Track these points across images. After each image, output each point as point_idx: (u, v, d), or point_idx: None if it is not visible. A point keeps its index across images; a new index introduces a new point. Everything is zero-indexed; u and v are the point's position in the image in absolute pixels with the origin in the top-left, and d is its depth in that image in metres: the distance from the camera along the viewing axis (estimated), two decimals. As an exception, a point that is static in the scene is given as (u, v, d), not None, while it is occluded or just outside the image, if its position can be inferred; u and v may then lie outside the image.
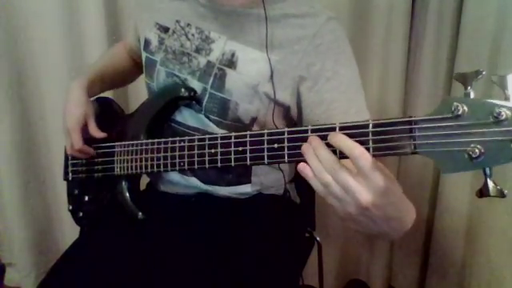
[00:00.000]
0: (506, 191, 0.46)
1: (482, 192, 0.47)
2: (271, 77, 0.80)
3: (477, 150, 0.45)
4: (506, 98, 0.44)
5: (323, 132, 0.55)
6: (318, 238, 1.14)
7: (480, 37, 1.19)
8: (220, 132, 0.84)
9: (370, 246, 1.64)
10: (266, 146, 0.61)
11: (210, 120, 0.85)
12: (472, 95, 0.47)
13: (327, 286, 1.58)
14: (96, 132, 0.88)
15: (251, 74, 0.81)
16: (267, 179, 0.93)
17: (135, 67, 1.08)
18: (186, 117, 0.88)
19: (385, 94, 1.45)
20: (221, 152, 0.67)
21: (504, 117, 0.43)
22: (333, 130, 0.54)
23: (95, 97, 0.97)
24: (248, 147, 0.64)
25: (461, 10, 1.26)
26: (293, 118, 0.86)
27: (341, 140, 0.52)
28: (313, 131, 0.56)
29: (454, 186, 1.32)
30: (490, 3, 1.16)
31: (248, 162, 0.64)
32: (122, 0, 1.44)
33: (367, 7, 1.39)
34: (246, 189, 0.91)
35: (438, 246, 1.44)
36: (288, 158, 0.59)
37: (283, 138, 0.59)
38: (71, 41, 1.41)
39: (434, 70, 1.38)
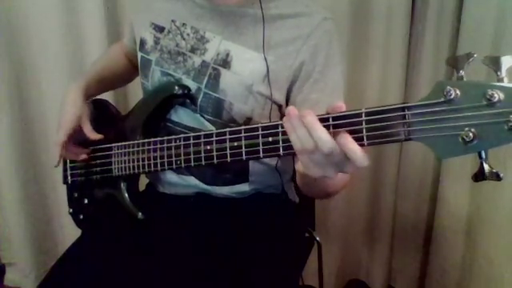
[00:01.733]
0: (501, 174, 0.45)
1: (478, 176, 0.47)
2: (267, 77, 0.80)
3: (471, 134, 0.44)
4: (499, 80, 0.44)
5: None
6: (317, 238, 1.14)
7: (480, 37, 1.19)
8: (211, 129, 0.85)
9: (370, 246, 1.64)
10: (260, 139, 0.62)
11: (205, 119, 0.85)
12: (465, 79, 0.46)
13: (327, 286, 1.58)
14: (91, 134, 0.87)
15: (245, 73, 0.81)
16: (265, 178, 0.93)
17: (132, 68, 1.08)
18: (181, 116, 0.88)
19: (385, 94, 1.45)
20: (216, 148, 0.67)
21: (497, 99, 0.43)
22: (326, 120, 0.54)
23: (91, 99, 0.97)
24: (243, 142, 0.64)
25: (461, 10, 1.26)
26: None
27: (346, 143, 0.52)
28: None
29: (454, 185, 1.32)
30: (490, 3, 1.16)
31: (244, 157, 0.64)
32: (122, 0, 1.44)
33: (367, 8, 1.39)
34: (243, 188, 0.91)
35: (438, 246, 1.44)
36: (283, 150, 0.59)
37: (277, 131, 0.60)
38: (71, 41, 1.41)
39: (433, 70, 1.38)
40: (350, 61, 1.42)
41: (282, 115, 0.87)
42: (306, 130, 0.53)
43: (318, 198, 0.78)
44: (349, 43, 1.41)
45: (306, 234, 1.14)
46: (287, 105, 0.85)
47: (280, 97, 0.83)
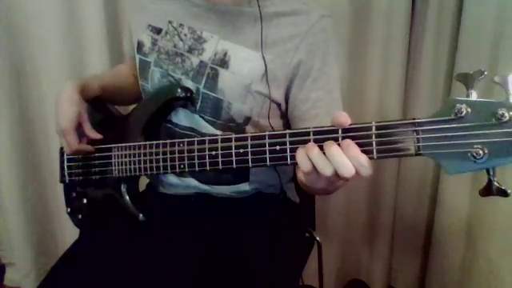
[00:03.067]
0: (509, 191, 0.47)
1: (486, 192, 0.48)
2: (266, 76, 0.80)
3: (480, 152, 0.45)
4: (508, 99, 0.45)
5: (325, 134, 0.55)
6: (318, 238, 1.14)
7: (480, 37, 1.19)
8: (215, 132, 0.85)
9: (370, 246, 1.64)
10: (267, 148, 0.61)
11: (205, 120, 0.85)
12: (474, 95, 0.47)
13: (327, 286, 1.58)
14: (92, 133, 0.86)
15: (243, 72, 0.81)
16: (265, 178, 0.93)
17: (138, 86, 1.02)
18: (181, 117, 0.88)
19: (385, 95, 1.45)
20: (222, 154, 0.67)
21: (507, 118, 0.44)
22: (335, 132, 0.54)
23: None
24: (249, 149, 0.63)
25: (461, 10, 1.26)
26: (285, 115, 0.87)
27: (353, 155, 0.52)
28: (314, 133, 0.56)
29: (454, 186, 1.32)
30: (490, 3, 1.16)
31: (250, 164, 0.63)
32: (122, 0, 1.44)
33: (367, 7, 1.39)
34: (244, 187, 0.91)
35: (438, 246, 1.44)
36: (290, 160, 0.59)
37: (285, 140, 0.59)
38: (71, 41, 1.41)
39: (434, 70, 1.38)
40: (350, 61, 1.42)
41: (282, 114, 0.87)
42: (326, 159, 0.53)
43: (321, 195, 0.79)
44: (349, 43, 1.41)
45: (306, 234, 1.14)
46: (287, 103, 0.85)
47: (279, 95, 0.83)
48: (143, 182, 1.00)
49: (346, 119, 0.54)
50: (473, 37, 1.22)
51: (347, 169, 0.51)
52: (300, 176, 0.59)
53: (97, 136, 0.86)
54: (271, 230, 0.90)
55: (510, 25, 1.11)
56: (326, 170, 0.53)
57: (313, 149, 0.54)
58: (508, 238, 1.17)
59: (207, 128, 0.85)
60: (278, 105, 0.85)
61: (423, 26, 1.37)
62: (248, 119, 0.85)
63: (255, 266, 0.81)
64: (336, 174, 0.53)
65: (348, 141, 0.53)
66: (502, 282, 1.18)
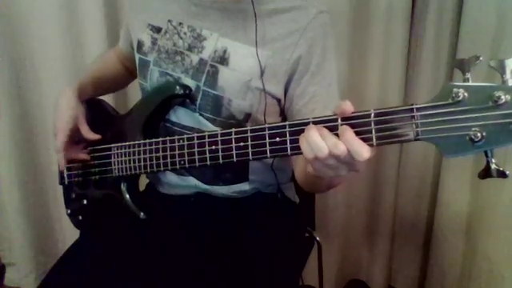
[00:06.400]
0: (507, 172, 0.47)
1: (485, 174, 0.49)
2: (260, 72, 0.81)
3: (478, 134, 0.46)
4: (504, 82, 0.46)
5: (324, 124, 0.55)
6: (317, 238, 1.14)
7: (480, 37, 1.19)
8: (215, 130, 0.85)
9: (370, 246, 1.64)
10: (267, 140, 0.61)
11: (205, 118, 0.85)
12: (471, 80, 0.48)
13: (327, 286, 1.58)
14: (89, 134, 0.87)
15: (243, 69, 0.81)
16: (265, 177, 0.93)
17: (126, 73, 1.08)
18: (180, 116, 0.88)
19: (385, 94, 1.45)
20: (222, 148, 0.67)
21: (503, 100, 0.45)
22: (334, 121, 0.55)
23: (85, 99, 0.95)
24: (249, 142, 0.63)
25: (461, 10, 1.26)
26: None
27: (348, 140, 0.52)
28: (314, 124, 0.56)
29: (454, 185, 1.33)
30: (490, 3, 1.16)
31: (251, 157, 0.63)
32: (122, 0, 1.44)
33: (367, 7, 1.39)
34: (243, 187, 0.91)
35: (438, 245, 1.44)
36: (291, 150, 0.59)
37: (285, 132, 0.60)
38: (71, 41, 1.41)
39: (433, 70, 1.38)
40: (350, 61, 1.43)
41: (281, 111, 0.87)
42: (321, 139, 0.53)
43: (320, 192, 0.79)
44: (349, 43, 1.41)
45: (306, 234, 1.14)
46: (285, 98, 0.85)
47: (278, 91, 0.83)
48: (143, 182, 1.00)
49: (349, 107, 0.54)
50: (473, 37, 1.22)
51: (338, 146, 0.52)
52: (308, 170, 0.58)
53: (94, 137, 0.87)
54: (271, 229, 0.90)
55: (510, 24, 1.11)
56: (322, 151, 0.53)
57: (310, 132, 0.54)
58: (508, 237, 1.17)
59: (207, 126, 0.85)
60: (278, 101, 0.85)
61: (423, 26, 1.37)
62: (248, 115, 0.85)
63: (255, 266, 0.82)
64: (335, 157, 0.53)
65: (344, 126, 0.53)
66: (501, 282, 1.19)
